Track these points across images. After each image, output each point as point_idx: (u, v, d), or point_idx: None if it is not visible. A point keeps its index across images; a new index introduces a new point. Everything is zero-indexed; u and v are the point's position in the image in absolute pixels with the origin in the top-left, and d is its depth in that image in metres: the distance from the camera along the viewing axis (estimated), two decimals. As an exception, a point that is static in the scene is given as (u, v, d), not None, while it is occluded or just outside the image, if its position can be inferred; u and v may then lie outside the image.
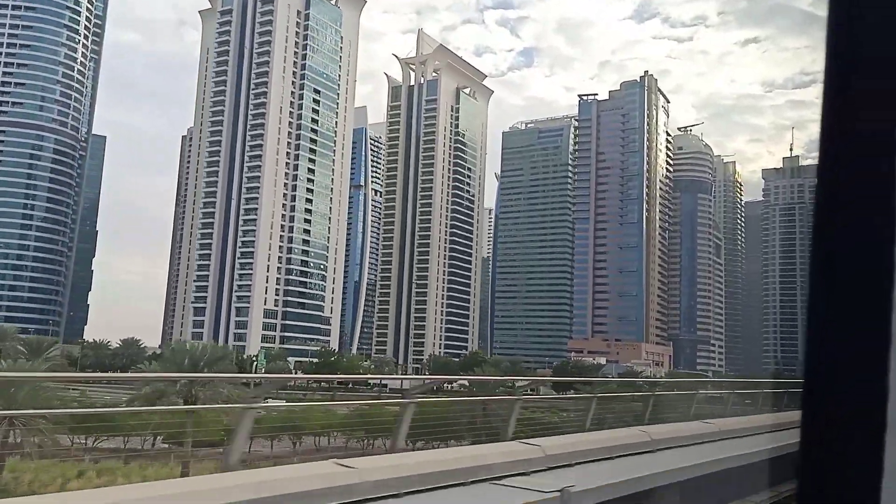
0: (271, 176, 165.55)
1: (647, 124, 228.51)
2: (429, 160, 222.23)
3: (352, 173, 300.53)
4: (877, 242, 1.21)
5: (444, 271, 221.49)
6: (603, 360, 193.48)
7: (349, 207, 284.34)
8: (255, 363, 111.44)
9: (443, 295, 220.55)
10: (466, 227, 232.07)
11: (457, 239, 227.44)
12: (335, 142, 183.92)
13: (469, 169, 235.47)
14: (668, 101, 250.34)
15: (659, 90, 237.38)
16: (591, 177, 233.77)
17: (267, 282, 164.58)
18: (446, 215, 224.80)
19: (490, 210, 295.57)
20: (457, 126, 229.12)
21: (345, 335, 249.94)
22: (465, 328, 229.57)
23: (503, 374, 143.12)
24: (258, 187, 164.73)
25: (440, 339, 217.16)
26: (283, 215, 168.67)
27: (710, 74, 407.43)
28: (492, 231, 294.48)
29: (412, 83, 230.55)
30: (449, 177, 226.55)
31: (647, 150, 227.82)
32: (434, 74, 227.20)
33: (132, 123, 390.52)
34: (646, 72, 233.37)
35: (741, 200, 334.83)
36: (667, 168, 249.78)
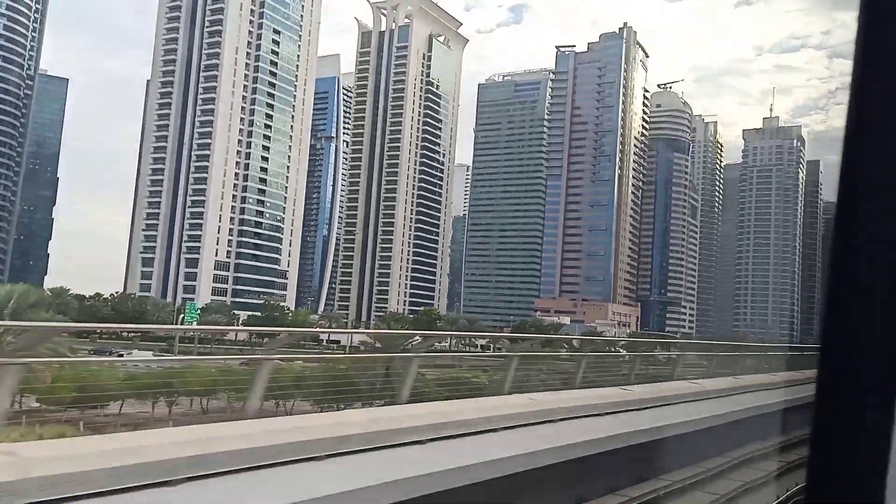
0: (225, 121, 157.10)
1: (625, 79, 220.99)
2: (397, 110, 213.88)
3: (323, 124, 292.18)
4: None
5: (410, 227, 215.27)
6: (567, 320, 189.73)
7: (320, 159, 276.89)
8: (183, 316, 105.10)
9: (409, 252, 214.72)
10: (436, 181, 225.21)
11: (425, 194, 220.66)
12: (296, 87, 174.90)
13: (440, 121, 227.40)
14: (648, 56, 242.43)
15: (638, 44, 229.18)
16: (566, 132, 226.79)
17: (219, 232, 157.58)
18: (415, 168, 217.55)
19: (468, 167, 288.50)
20: (428, 76, 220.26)
21: (306, 291, 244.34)
22: (432, 286, 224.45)
23: (458, 332, 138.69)
24: (211, 132, 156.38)
25: (405, 297, 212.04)
26: (238, 163, 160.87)
27: (701, 36, 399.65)
28: (468, 188, 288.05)
29: (383, 28, 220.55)
30: (419, 128, 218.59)
31: (622, 106, 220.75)
32: (406, 20, 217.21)
33: (105, 68, 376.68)
34: (625, 23, 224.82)
35: (721, 162, 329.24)
36: (643, 125, 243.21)
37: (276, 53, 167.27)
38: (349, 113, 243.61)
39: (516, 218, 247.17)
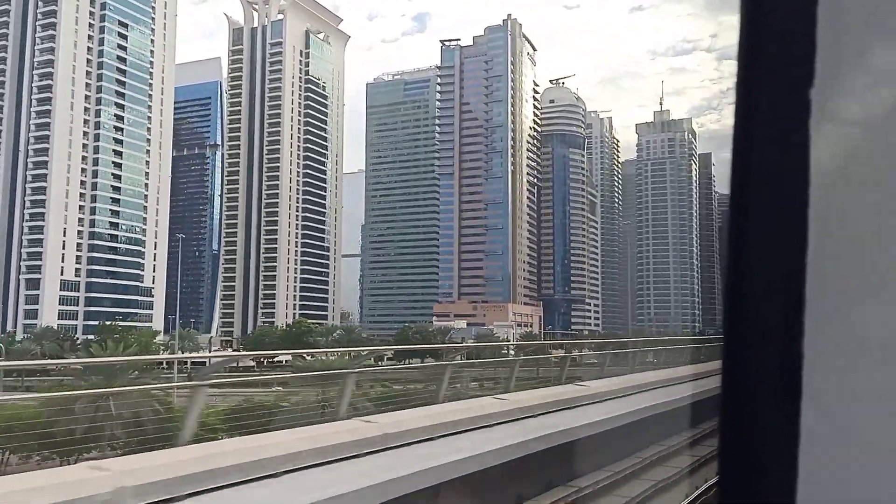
0: (65, 123, 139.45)
1: (512, 72, 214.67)
2: (275, 111, 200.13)
3: (207, 131, 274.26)
4: (789, 209, 1.17)
5: (297, 236, 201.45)
6: (463, 324, 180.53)
7: (207, 169, 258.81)
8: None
9: (296, 263, 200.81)
10: (321, 186, 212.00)
11: (311, 199, 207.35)
12: (152, 86, 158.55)
13: (325, 122, 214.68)
14: (535, 49, 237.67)
15: (525, 37, 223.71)
16: (455, 129, 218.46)
17: (64, 248, 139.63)
18: (298, 172, 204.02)
19: (362, 171, 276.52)
20: (307, 73, 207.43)
21: (192, 309, 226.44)
22: (325, 297, 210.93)
23: (334, 345, 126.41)
24: (48, 135, 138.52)
25: (293, 311, 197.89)
26: (84, 170, 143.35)
27: (598, 42, 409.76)
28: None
29: (255, 25, 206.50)
30: (300, 130, 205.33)
31: (511, 100, 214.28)
32: (279, 15, 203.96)
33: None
34: (508, 15, 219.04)
35: (619, 158, 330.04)
36: (534, 120, 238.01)
37: (125, 49, 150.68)
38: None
39: (413, 221, 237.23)
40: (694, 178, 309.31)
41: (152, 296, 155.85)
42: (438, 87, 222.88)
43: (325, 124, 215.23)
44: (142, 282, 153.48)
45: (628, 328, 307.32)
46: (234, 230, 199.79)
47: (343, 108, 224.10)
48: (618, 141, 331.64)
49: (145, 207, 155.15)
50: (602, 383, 18.86)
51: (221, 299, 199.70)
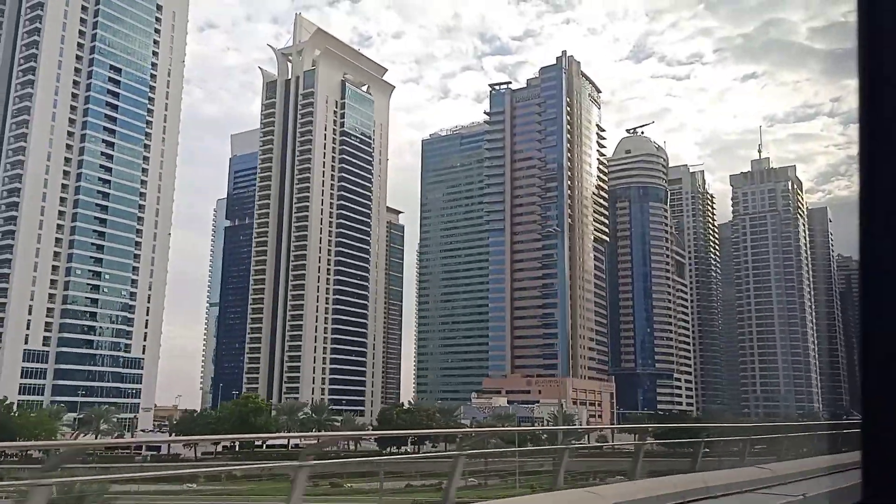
0: (37, 177, 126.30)
1: (569, 114, 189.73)
2: (305, 166, 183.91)
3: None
4: None
5: (328, 302, 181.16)
6: (503, 402, 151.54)
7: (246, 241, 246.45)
8: None
9: (328, 335, 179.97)
10: (359, 247, 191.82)
11: (347, 261, 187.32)
12: (152, 139, 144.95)
13: (364, 178, 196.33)
14: (599, 91, 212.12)
15: (583, 74, 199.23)
16: (507, 181, 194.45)
17: (30, 314, 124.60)
18: (331, 232, 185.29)
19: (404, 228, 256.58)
20: (342, 126, 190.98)
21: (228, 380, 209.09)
22: (361, 371, 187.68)
23: (300, 429, 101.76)
24: (19, 189, 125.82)
25: (322, 385, 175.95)
26: (61, 226, 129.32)
27: (710, 111, 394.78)
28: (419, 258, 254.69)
29: (289, 76, 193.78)
30: (333, 185, 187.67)
31: (568, 144, 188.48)
32: (312, 66, 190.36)
33: None
34: (563, 52, 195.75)
35: (713, 215, 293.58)
36: (600, 169, 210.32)
37: (117, 96, 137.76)
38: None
39: (464, 283, 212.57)
40: (802, 234, 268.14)
41: (142, 368, 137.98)
42: (487, 136, 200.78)
43: (365, 181, 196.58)
44: (129, 352, 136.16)
45: (735, 408, 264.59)
46: (262, 296, 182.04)
47: (387, 163, 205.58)
48: (712, 197, 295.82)
49: (136, 269, 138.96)
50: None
51: (246, 374, 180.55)
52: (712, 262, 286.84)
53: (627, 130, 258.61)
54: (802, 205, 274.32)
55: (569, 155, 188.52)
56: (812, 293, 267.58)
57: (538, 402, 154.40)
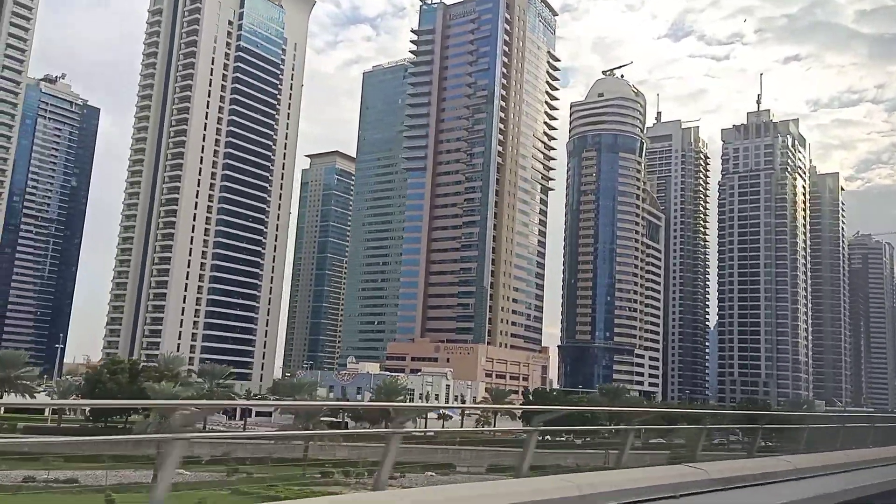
0: None
1: (507, 32, 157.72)
2: (187, 83, 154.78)
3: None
4: None
5: (206, 243, 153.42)
6: (374, 369, 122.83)
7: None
8: None
9: (205, 278, 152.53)
10: (256, 184, 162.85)
11: (237, 199, 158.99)
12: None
13: (267, 104, 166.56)
14: (555, 14, 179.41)
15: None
16: (433, 113, 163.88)
17: None
18: (215, 162, 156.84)
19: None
20: (238, 39, 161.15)
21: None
22: (250, 329, 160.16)
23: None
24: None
25: (194, 342, 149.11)
26: None
27: (749, 92, 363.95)
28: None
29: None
30: (223, 108, 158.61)
31: (504, 70, 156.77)
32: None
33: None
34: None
35: (706, 176, 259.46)
36: (550, 105, 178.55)
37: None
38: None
39: (387, 236, 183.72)
40: (802, 198, 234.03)
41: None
42: (414, 61, 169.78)
43: (273, 106, 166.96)
44: None
45: (701, 394, 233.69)
46: (130, 238, 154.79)
47: (300, 91, 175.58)
48: (706, 157, 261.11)
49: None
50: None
51: (107, 324, 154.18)
52: (700, 227, 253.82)
53: (604, 72, 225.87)
54: (805, 164, 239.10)
55: (504, 82, 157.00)
56: (807, 268, 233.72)
57: (420, 370, 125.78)
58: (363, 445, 58.92)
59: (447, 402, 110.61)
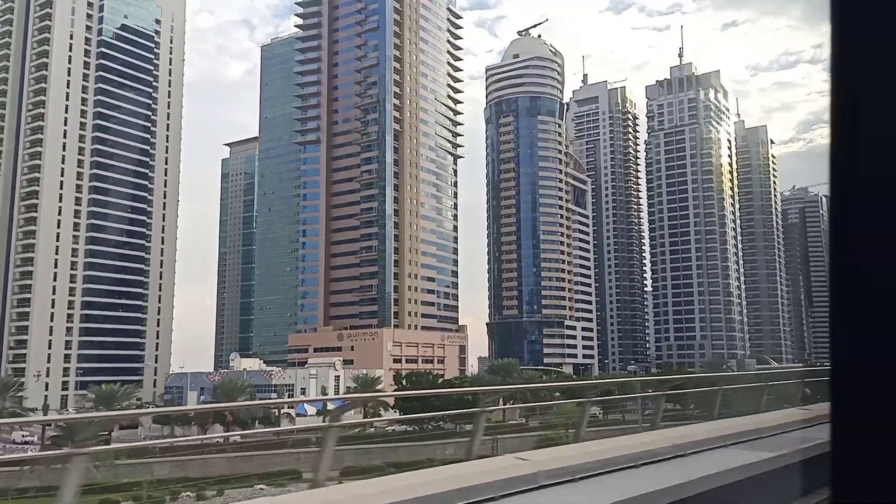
0: None
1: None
2: (42, 73, 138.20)
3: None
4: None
5: (78, 234, 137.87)
6: (251, 365, 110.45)
7: None
8: None
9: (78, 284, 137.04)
10: (139, 160, 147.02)
11: (110, 175, 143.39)
12: None
13: (141, 81, 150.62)
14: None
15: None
16: (324, 76, 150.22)
17: None
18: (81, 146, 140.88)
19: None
20: (101, 21, 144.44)
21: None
22: (138, 331, 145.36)
23: None
24: None
25: (69, 350, 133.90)
26: None
27: (692, 61, 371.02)
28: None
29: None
30: (87, 87, 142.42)
31: (397, 28, 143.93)
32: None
33: None
34: None
35: (634, 136, 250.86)
36: (452, 66, 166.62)
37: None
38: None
39: (286, 216, 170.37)
40: (728, 152, 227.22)
41: None
42: (303, 20, 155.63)
43: (149, 87, 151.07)
44: None
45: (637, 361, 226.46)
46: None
47: (181, 67, 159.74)
48: (634, 117, 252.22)
49: None
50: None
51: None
52: (632, 189, 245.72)
53: (519, 32, 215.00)
54: (728, 117, 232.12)
55: (397, 41, 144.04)
56: (737, 224, 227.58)
57: (306, 362, 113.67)
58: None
59: (337, 395, 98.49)
